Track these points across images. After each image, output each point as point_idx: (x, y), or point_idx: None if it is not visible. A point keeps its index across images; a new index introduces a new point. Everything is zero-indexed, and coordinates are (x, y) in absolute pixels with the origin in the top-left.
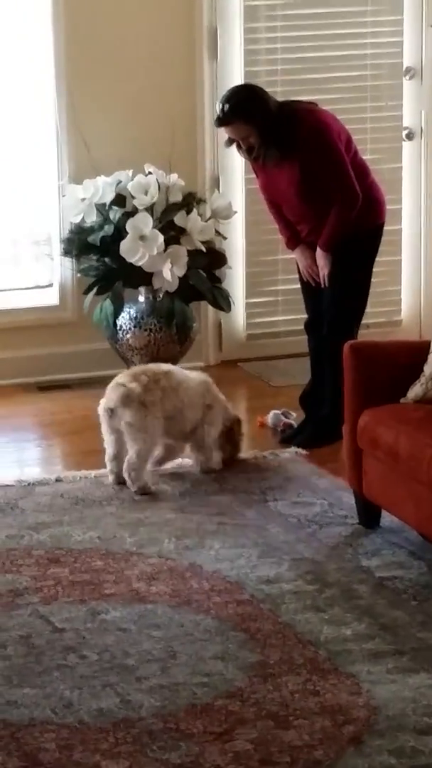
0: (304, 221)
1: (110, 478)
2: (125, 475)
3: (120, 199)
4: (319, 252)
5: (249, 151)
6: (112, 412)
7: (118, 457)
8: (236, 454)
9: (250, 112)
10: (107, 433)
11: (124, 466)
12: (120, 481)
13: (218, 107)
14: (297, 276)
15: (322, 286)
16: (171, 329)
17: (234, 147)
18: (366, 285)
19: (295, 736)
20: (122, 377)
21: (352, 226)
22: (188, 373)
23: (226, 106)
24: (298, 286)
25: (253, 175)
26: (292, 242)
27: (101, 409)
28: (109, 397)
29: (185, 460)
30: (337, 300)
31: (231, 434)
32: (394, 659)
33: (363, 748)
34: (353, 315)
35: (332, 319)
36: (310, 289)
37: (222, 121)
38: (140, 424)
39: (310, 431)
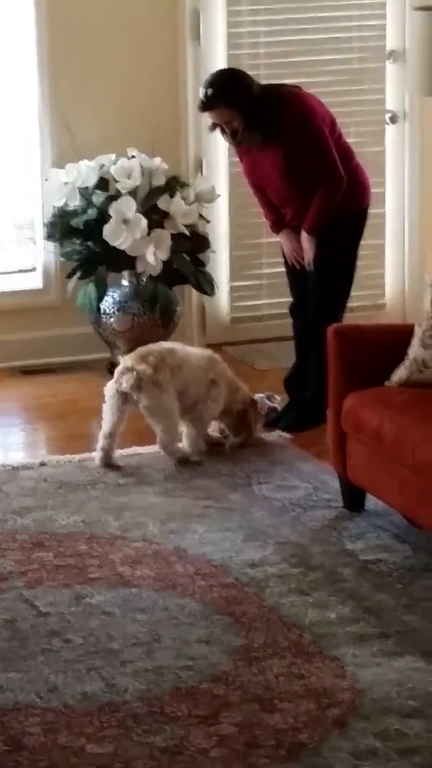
0: (289, 205)
1: (97, 456)
2: (162, 451)
3: (103, 183)
4: (304, 235)
5: (233, 136)
6: (126, 396)
7: (113, 436)
8: (250, 438)
9: (234, 97)
10: (111, 413)
11: (158, 445)
12: (107, 463)
13: (201, 92)
14: (281, 260)
15: (307, 269)
16: (155, 313)
17: (217, 131)
18: (351, 268)
19: (280, 719)
20: (130, 360)
21: (337, 209)
22: (192, 350)
23: (209, 91)
24: (283, 269)
25: (237, 159)
26: (277, 226)
27: (111, 391)
28: (120, 382)
29: None
30: (323, 283)
31: (245, 417)
32: (379, 642)
33: (348, 731)
34: (339, 298)
35: (317, 302)
36: (295, 273)
37: (205, 105)
38: (158, 404)
39: (295, 415)
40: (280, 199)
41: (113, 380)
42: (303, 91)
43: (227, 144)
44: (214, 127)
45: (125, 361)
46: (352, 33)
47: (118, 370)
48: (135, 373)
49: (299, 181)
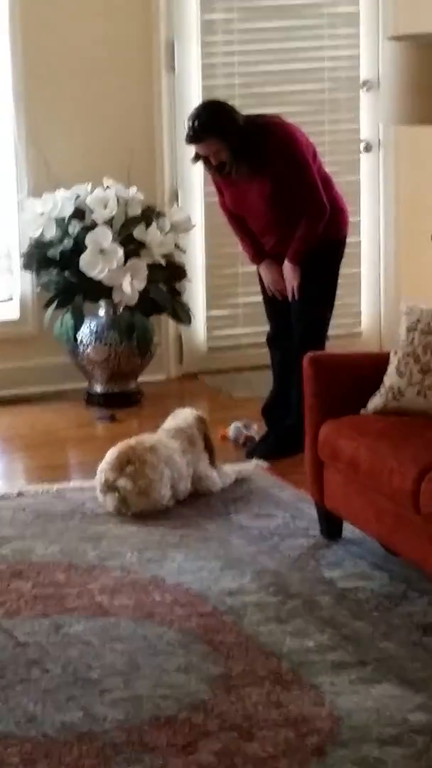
0: (270, 233)
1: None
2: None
3: (79, 213)
4: (287, 265)
5: (220, 167)
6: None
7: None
8: (213, 456)
9: (221, 128)
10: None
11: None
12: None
13: (187, 125)
14: (258, 288)
15: (290, 299)
16: (131, 343)
17: (196, 162)
18: (333, 295)
19: (259, 747)
20: (110, 471)
21: (318, 238)
22: (172, 443)
23: (196, 123)
24: (259, 298)
25: (213, 188)
26: (258, 257)
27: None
28: (103, 503)
29: None
30: (307, 312)
31: (206, 438)
32: (357, 670)
33: (326, 759)
34: (323, 325)
35: (304, 330)
36: (274, 303)
37: (192, 138)
38: (148, 501)
39: (273, 442)
40: (261, 228)
41: (97, 487)
42: (285, 121)
43: (203, 173)
44: (197, 158)
45: (105, 471)
46: (326, 63)
47: (98, 481)
48: (117, 494)
49: (284, 210)
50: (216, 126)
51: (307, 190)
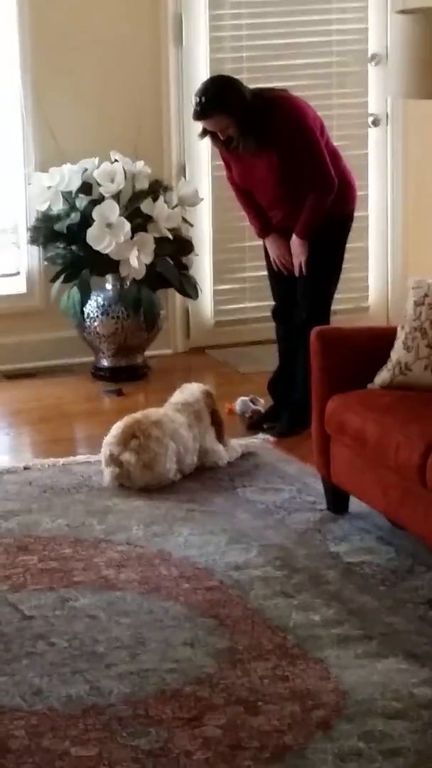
0: (278, 207)
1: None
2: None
3: (86, 187)
4: (294, 239)
5: (227, 142)
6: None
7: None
8: (222, 430)
9: (228, 104)
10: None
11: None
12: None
13: (194, 101)
14: (264, 263)
15: (296, 273)
16: (138, 317)
17: (204, 137)
18: (339, 270)
19: (264, 721)
20: (114, 445)
21: (326, 212)
22: (179, 417)
23: (203, 99)
24: (266, 272)
25: (220, 162)
26: (264, 231)
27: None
28: (106, 470)
29: None
30: (313, 286)
31: (214, 413)
32: (363, 644)
33: (332, 732)
34: (328, 299)
35: (310, 304)
36: (279, 277)
37: (200, 114)
38: (152, 476)
39: (287, 418)
40: (269, 202)
41: (102, 461)
42: (292, 95)
43: (211, 147)
44: (204, 134)
45: (110, 444)
46: (334, 36)
47: (104, 455)
48: (119, 470)
49: (292, 184)
50: (223, 102)
51: (315, 164)
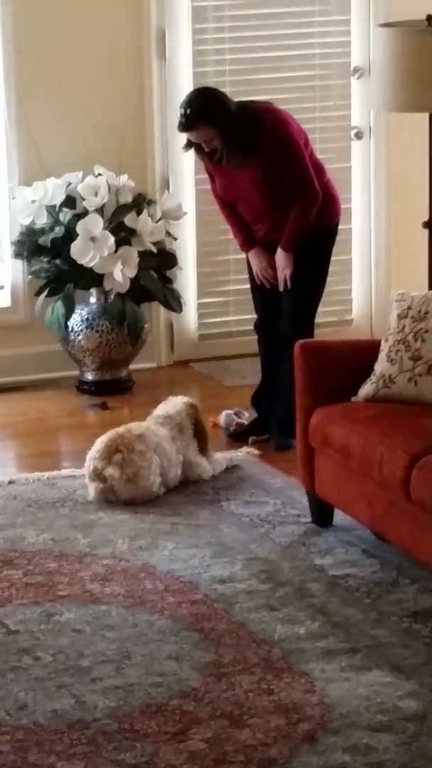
0: (262, 221)
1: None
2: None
3: (70, 201)
4: (279, 253)
5: (211, 154)
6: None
7: None
8: (206, 443)
9: (213, 115)
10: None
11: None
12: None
13: (180, 112)
14: (248, 276)
15: (281, 287)
16: (122, 330)
17: (188, 149)
18: (323, 283)
19: (250, 735)
20: (98, 459)
21: (310, 225)
22: (162, 431)
23: (188, 110)
24: (249, 286)
25: (204, 176)
26: (248, 244)
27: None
28: (90, 486)
29: None
30: (297, 299)
31: (197, 425)
32: (348, 657)
33: (317, 745)
34: (312, 313)
35: (293, 318)
36: (262, 291)
37: (185, 126)
38: (137, 490)
39: (278, 432)
40: (253, 215)
41: (86, 476)
42: (277, 108)
43: (194, 161)
44: (189, 146)
45: (93, 459)
46: (317, 50)
47: (87, 469)
48: (102, 484)
49: (276, 197)
50: (208, 113)
51: (299, 177)
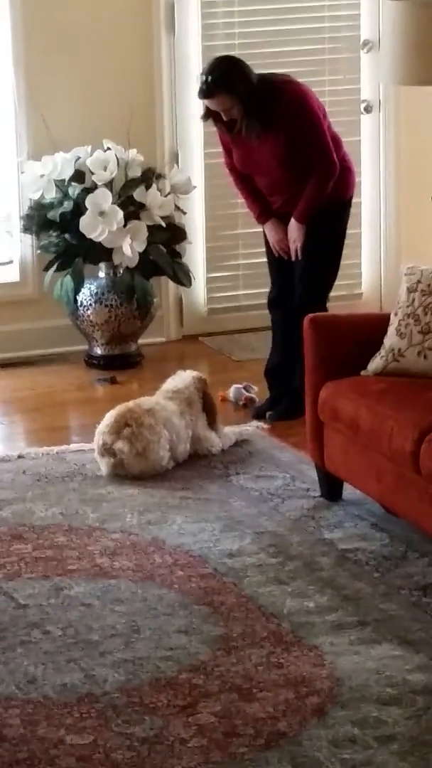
0: (279, 192)
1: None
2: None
3: (79, 175)
4: (292, 224)
5: (230, 124)
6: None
7: None
8: (215, 417)
9: (234, 84)
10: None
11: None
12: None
13: (200, 79)
14: (258, 250)
15: (293, 258)
16: (132, 305)
17: (207, 119)
18: (338, 257)
19: (259, 708)
20: (107, 434)
21: (326, 197)
22: (170, 405)
23: (209, 78)
24: (259, 260)
25: (213, 149)
26: (263, 217)
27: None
28: (101, 461)
29: None
30: (310, 272)
31: (206, 399)
32: (357, 631)
33: (326, 719)
34: (326, 286)
35: (305, 291)
36: (279, 265)
37: (206, 93)
38: (146, 464)
39: (287, 404)
40: (270, 187)
41: (96, 451)
42: (297, 80)
43: (204, 135)
44: (207, 115)
45: (102, 434)
46: (326, 23)
47: (96, 444)
48: (113, 458)
49: (294, 168)
50: (229, 81)
51: (318, 149)
